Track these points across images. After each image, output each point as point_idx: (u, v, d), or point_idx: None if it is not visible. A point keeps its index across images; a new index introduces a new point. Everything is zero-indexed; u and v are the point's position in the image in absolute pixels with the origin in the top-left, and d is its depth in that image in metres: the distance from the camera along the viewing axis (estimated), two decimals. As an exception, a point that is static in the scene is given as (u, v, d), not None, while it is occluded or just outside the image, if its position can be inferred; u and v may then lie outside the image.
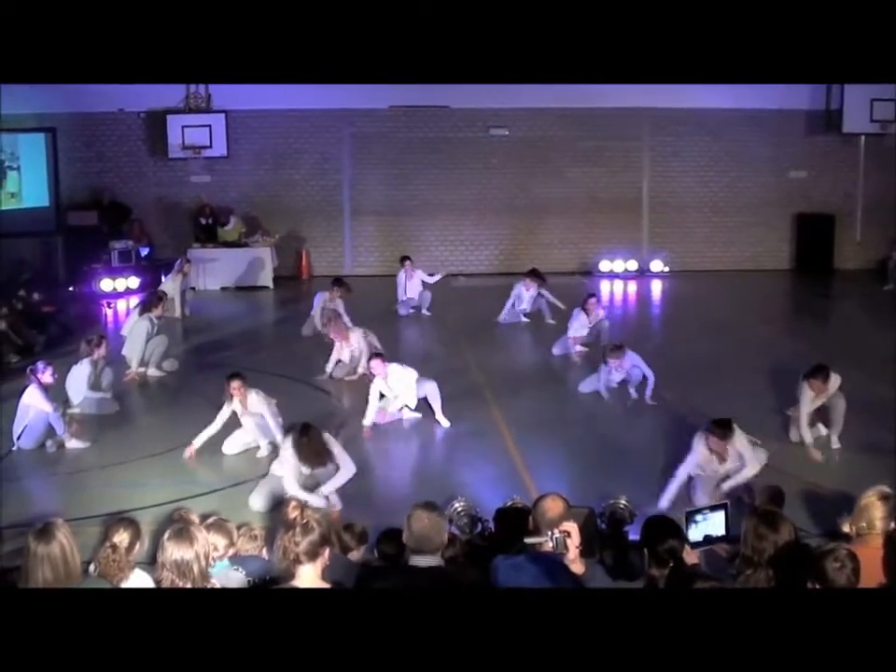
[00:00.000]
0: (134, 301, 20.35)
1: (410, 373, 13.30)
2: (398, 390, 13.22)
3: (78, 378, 13.74)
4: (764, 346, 13.38)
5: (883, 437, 11.89)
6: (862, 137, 25.97)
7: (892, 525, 6.86)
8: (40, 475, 11.72)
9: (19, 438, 12.26)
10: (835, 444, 12.10)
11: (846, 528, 7.17)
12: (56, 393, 12.96)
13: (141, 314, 16.17)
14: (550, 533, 5.77)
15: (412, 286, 20.93)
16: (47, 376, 12.55)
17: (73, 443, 12.41)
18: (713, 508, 7.31)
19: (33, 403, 12.25)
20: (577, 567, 5.90)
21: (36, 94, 21.81)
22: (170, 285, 19.93)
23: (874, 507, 6.98)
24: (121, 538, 6.69)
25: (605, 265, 25.72)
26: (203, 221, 25.06)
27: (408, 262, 20.97)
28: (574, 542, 5.78)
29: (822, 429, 12.39)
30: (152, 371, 15.91)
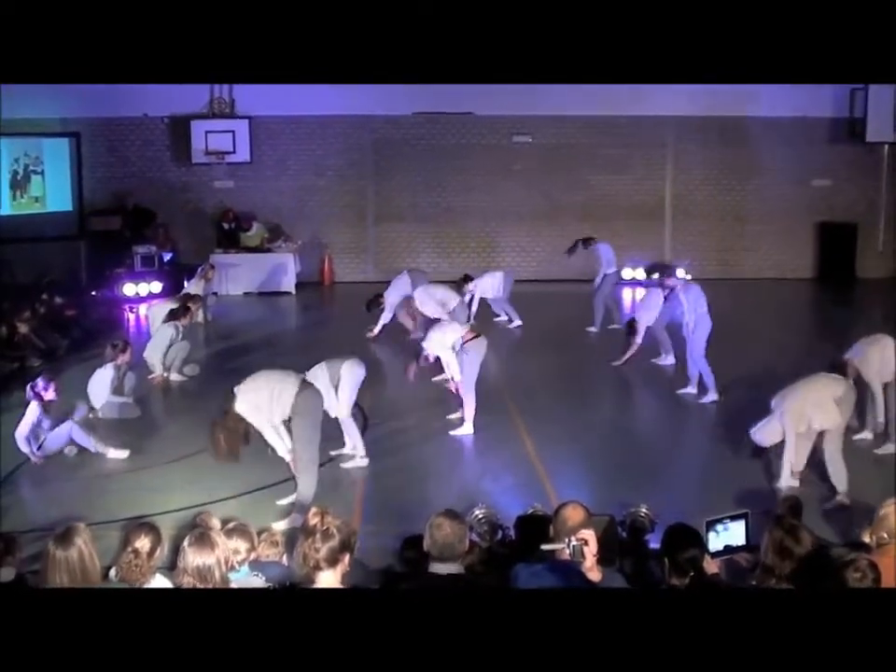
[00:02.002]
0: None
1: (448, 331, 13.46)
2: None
3: (101, 382, 13.77)
4: (787, 354, 13.37)
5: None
6: (886, 146, 25.92)
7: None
8: (62, 479, 11.75)
9: (38, 448, 12.23)
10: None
11: (866, 538, 7.14)
12: (71, 398, 13.02)
13: (167, 320, 16.21)
14: (567, 541, 5.76)
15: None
16: (50, 393, 12.32)
17: (112, 453, 12.32)
18: (734, 517, 7.27)
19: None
20: (594, 575, 5.89)
21: (60, 99, 21.97)
22: (193, 289, 19.96)
23: (893, 516, 6.96)
24: (143, 543, 6.70)
25: (627, 273, 25.61)
26: (227, 226, 25.14)
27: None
28: (591, 551, 5.77)
29: (868, 434, 12.56)
30: (174, 376, 15.99)
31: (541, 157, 26.34)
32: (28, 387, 12.49)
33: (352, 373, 11.76)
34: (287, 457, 10.40)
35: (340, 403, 11.58)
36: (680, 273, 24.33)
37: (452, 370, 13.17)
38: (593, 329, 19.74)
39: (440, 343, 13.14)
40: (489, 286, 20.28)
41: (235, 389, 10.30)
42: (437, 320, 15.09)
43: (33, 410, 12.17)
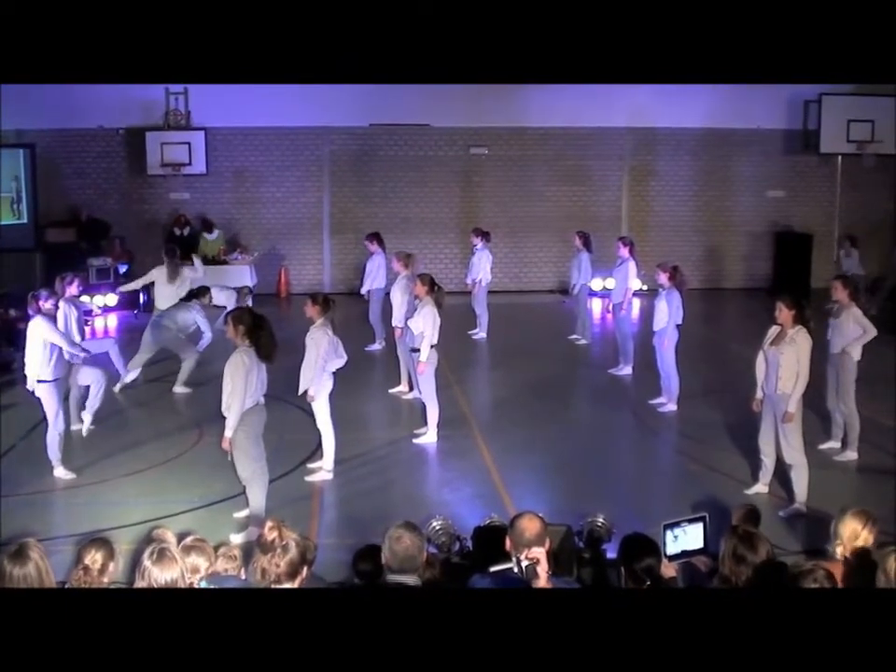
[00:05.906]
0: (113, 319, 20.27)
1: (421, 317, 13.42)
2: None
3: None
4: (743, 365, 13.38)
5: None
6: (839, 157, 26.10)
7: (870, 543, 6.84)
8: (13, 494, 11.58)
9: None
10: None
11: (838, 553, 7.09)
12: (28, 413, 12.87)
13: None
14: (516, 559, 5.69)
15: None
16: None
17: (60, 472, 12.16)
18: (691, 520, 7.27)
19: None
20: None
21: (16, 110, 21.74)
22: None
23: (854, 527, 6.96)
24: (93, 559, 6.61)
25: (596, 283, 25.59)
26: (178, 232, 24.80)
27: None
28: (544, 568, 5.70)
29: (835, 444, 12.84)
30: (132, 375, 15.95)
31: (498, 168, 26.41)
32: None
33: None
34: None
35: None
36: (636, 283, 24.33)
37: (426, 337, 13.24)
38: (578, 338, 19.82)
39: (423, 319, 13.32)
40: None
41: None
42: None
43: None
